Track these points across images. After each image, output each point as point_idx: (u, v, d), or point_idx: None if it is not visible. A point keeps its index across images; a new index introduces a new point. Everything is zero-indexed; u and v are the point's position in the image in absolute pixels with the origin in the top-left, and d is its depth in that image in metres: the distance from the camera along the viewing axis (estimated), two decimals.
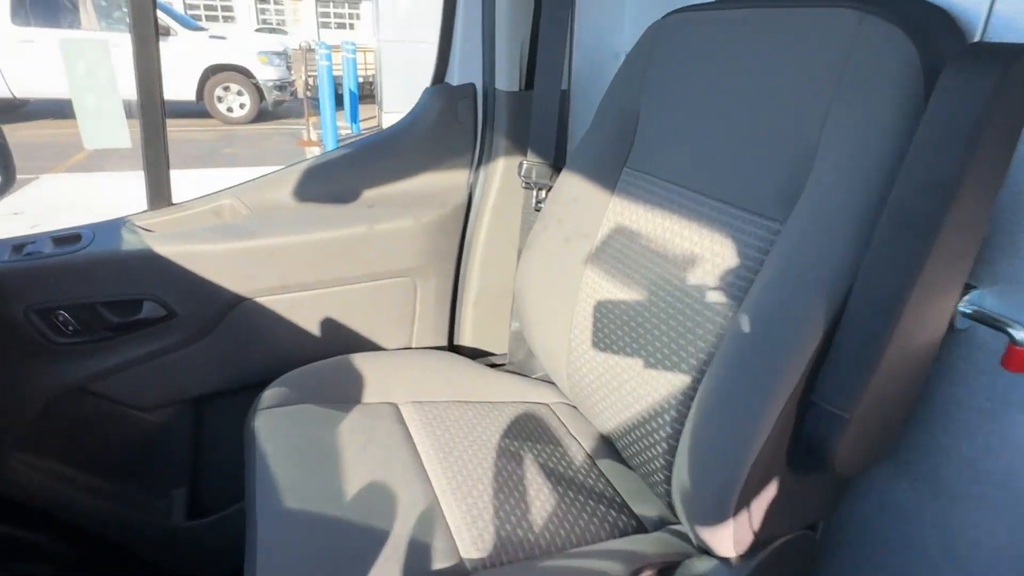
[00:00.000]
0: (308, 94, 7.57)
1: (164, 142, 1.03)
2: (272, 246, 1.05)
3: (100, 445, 1.06)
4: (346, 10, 19.64)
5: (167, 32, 7.17)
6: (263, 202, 1.12)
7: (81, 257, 0.95)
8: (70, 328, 0.96)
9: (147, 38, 0.94)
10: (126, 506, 1.07)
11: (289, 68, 8.15)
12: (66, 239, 0.98)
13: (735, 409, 0.60)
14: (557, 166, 1.08)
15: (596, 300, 0.86)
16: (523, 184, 1.11)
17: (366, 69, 9.94)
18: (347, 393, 0.97)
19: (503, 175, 1.15)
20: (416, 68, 7.45)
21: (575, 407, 1.01)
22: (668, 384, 0.72)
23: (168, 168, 1.05)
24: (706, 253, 0.71)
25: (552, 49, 1.03)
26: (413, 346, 1.24)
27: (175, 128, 7.30)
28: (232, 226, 1.07)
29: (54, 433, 1.01)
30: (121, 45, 0.96)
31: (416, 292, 1.21)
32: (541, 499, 0.80)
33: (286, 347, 1.12)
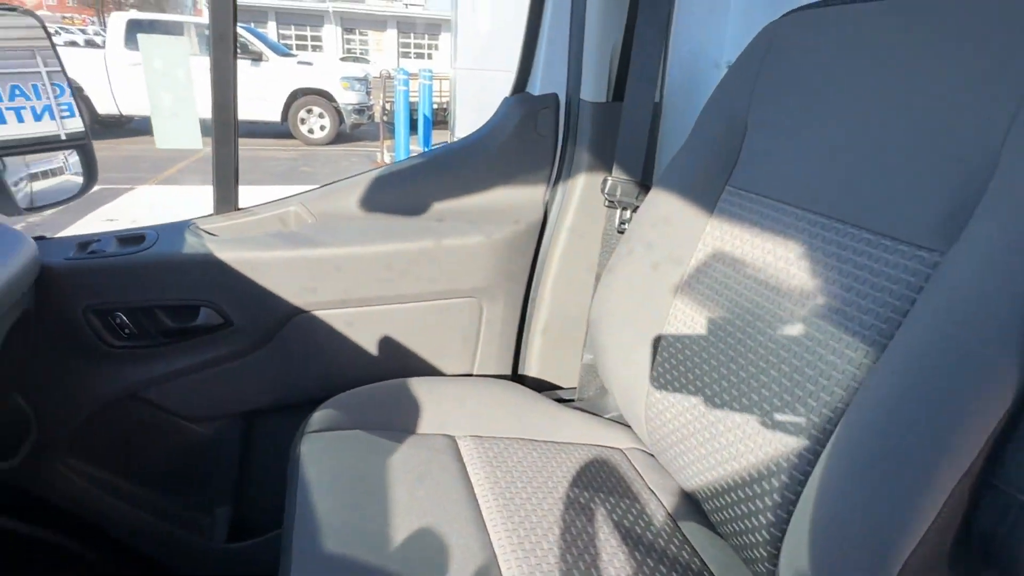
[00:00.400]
0: (384, 119, 7.85)
1: (235, 145, 1.00)
2: (334, 256, 1.00)
3: (147, 454, 1.02)
4: (425, 41, 20.49)
5: (259, 57, 7.63)
6: (329, 211, 1.07)
7: (142, 258, 0.92)
8: (126, 331, 0.94)
9: (225, 35, 0.92)
10: (167, 520, 1.03)
11: (368, 93, 8.49)
12: (130, 239, 0.96)
13: (886, 487, 0.47)
14: (645, 184, 0.98)
15: (686, 334, 0.75)
16: (606, 202, 1.02)
17: (441, 96, 10.22)
18: (401, 421, 0.89)
19: (583, 192, 1.06)
20: (489, 96, 7.56)
21: (653, 455, 0.89)
22: (777, 442, 0.60)
23: (237, 172, 1.03)
24: (833, 287, 0.59)
25: (646, 57, 0.94)
26: (475, 373, 1.15)
27: (258, 147, 7.71)
28: (295, 234, 1.03)
29: (102, 439, 0.98)
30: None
31: (482, 315, 1.12)
32: (616, 566, 0.68)
33: (342, 365, 1.06)
